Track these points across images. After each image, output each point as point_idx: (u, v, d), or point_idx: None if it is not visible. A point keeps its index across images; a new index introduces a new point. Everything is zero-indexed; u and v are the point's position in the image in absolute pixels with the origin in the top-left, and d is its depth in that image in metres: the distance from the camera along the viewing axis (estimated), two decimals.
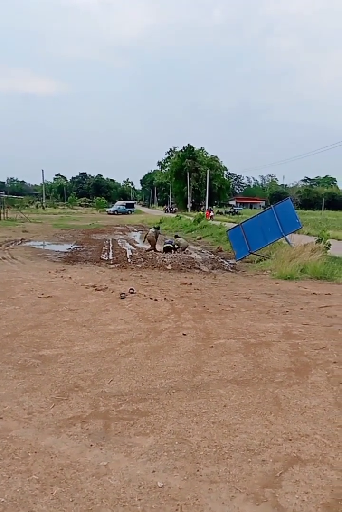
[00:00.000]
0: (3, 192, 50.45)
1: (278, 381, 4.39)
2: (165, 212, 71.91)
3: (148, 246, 17.52)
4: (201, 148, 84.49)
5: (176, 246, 16.98)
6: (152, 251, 16.94)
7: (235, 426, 3.48)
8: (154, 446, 3.17)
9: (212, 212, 47.84)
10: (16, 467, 2.90)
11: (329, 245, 13.82)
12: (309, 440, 3.30)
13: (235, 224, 17.97)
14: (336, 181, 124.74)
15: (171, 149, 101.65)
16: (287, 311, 7.35)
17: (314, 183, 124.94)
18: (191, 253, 17.03)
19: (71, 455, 3.05)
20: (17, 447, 3.14)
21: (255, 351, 5.28)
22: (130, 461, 2.99)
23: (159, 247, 17.43)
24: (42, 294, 8.14)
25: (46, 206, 69.68)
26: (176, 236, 18.64)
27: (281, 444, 3.23)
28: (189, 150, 79.52)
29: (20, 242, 19.33)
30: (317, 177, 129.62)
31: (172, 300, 8.02)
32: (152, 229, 18.07)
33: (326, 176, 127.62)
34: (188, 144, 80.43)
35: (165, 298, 8.12)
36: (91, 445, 3.17)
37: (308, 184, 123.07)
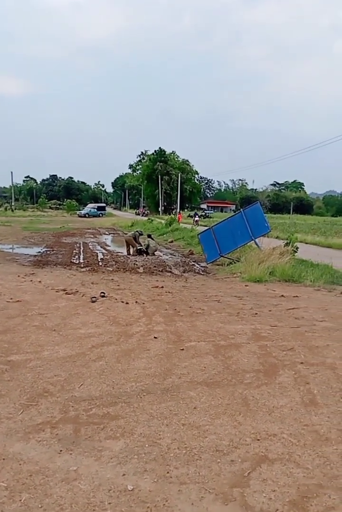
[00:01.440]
0: None
1: (246, 382, 4.46)
2: (136, 215, 71.70)
3: (132, 249, 17.38)
4: (172, 151, 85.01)
5: (147, 249, 16.96)
6: (126, 254, 16.96)
7: (204, 427, 3.53)
8: (124, 450, 3.18)
9: (197, 216, 45.20)
10: None
11: (297, 248, 14.16)
12: (277, 439, 3.38)
13: (206, 228, 18.15)
14: (303, 186, 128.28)
15: (142, 152, 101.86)
16: (256, 313, 7.48)
17: (283, 187, 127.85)
18: (161, 255, 17.09)
19: (40, 461, 3.01)
20: None
21: (225, 353, 5.35)
22: (101, 465, 2.98)
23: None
24: (11, 299, 7.98)
25: (15, 209, 68.27)
26: (149, 235, 18.60)
27: (249, 444, 3.29)
28: (160, 154, 79.74)
29: None
30: (285, 181, 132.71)
31: (143, 303, 8.02)
32: (132, 233, 18.10)
33: (295, 181, 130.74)
34: (159, 148, 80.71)
35: (136, 302, 8.11)
36: (61, 450, 3.14)
37: (277, 188, 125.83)
